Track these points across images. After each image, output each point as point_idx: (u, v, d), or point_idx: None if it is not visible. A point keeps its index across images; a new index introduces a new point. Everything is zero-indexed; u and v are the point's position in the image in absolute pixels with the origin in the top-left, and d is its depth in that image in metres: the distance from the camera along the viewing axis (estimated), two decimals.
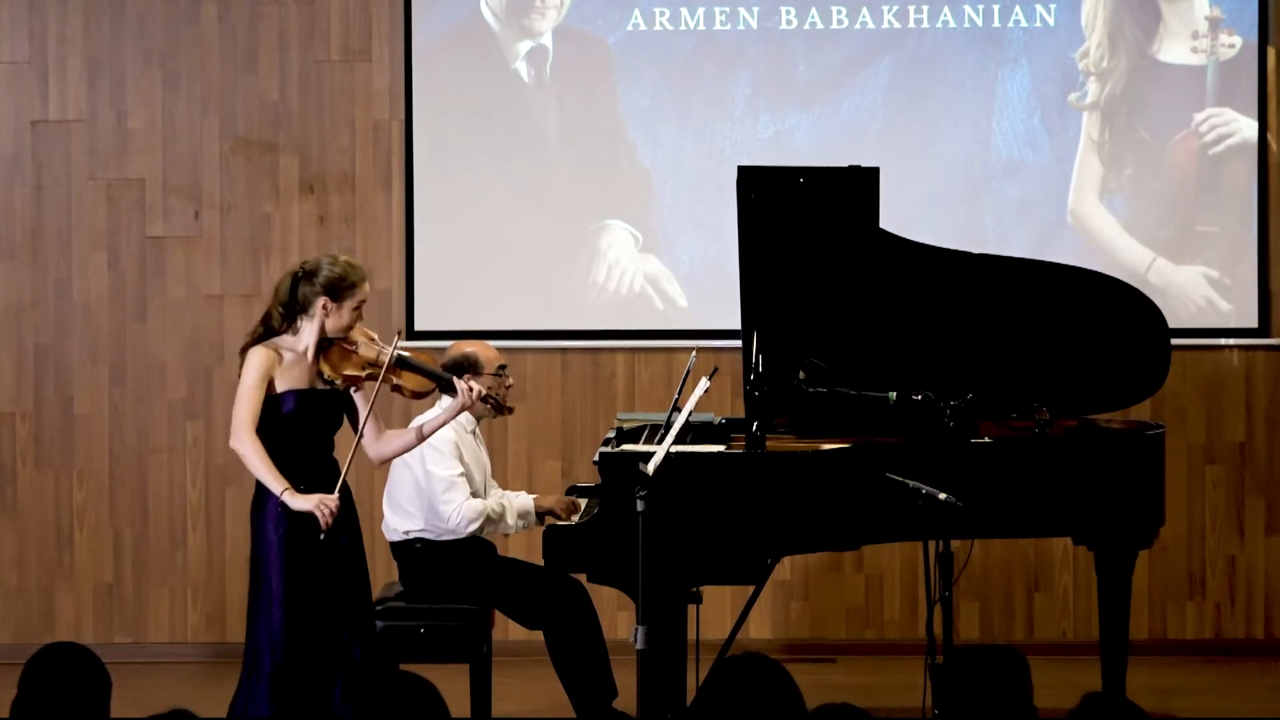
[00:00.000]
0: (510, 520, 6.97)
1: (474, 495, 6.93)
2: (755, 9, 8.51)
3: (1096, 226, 8.52)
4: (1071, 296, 6.93)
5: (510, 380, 7.00)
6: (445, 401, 6.64)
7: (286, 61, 8.57)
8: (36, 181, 8.57)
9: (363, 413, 6.04)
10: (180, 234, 8.58)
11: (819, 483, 6.37)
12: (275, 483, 5.86)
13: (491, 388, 6.64)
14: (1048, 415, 6.72)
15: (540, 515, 7.00)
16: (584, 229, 8.59)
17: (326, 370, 5.99)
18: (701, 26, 8.54)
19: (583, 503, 6.95)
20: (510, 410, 6.42)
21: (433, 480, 6.87)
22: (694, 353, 6.97)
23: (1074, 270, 7.03)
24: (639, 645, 5.83)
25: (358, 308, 6.03)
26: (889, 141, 8.46)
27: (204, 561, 8.58)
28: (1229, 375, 8.54)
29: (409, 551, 6.96)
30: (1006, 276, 6.95)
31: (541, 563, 6.50)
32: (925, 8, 8.49)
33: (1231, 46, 8.48)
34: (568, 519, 6.87)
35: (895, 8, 8.50)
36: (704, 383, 6.08)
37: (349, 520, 6.02)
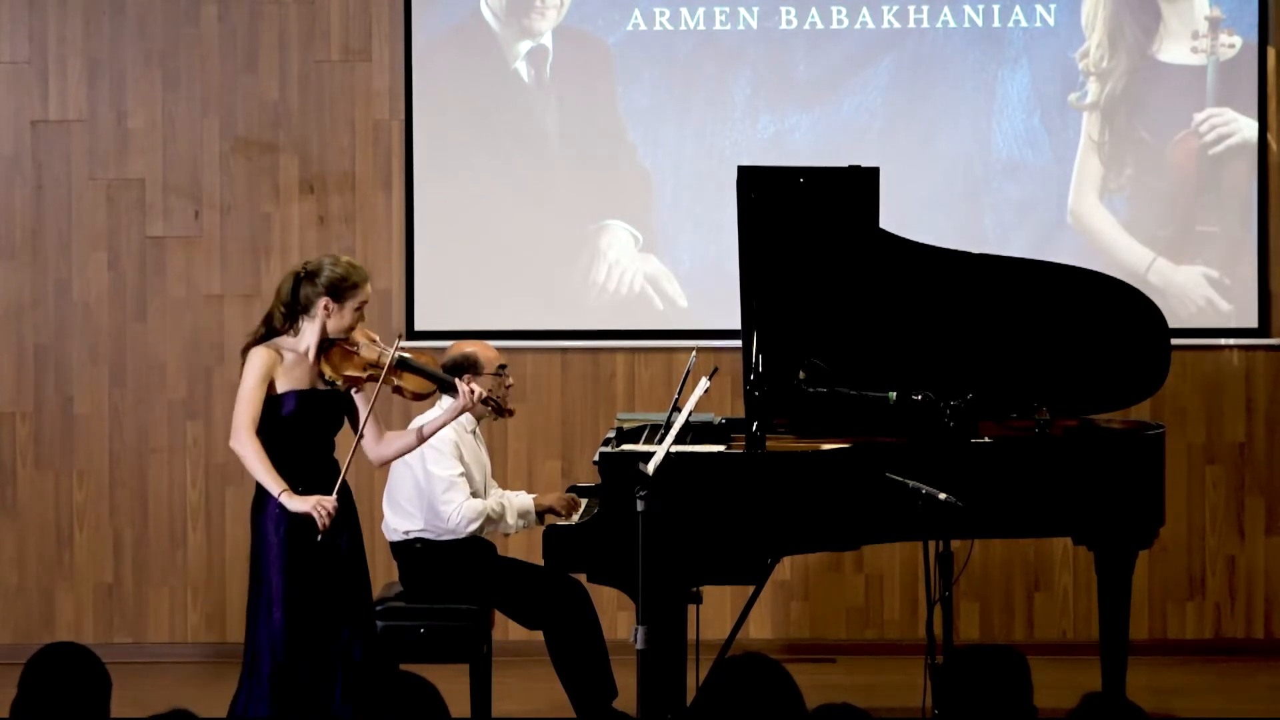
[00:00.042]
0: (510, 520, 6.97)
1: (474, 495, 6.93)
2: (755, 9, 8.51)
3: (1096, 226, 8.52)
4: (1071, 296, 6.93)
5: (510, 380, 7.00)
6: (445, 402, 6.64)
7: (286, 61, 8.57)
8: (36, 181, 8.57)
9: (363, 414, 6.04)
10: (180, 234, 8.58)
11: (819, 483, 6.37)
12: (273, 484, 5.86)
13: (492, 389, 6.63)
14: (1048, 415, 6.72)
15: (540, 513, 6.99)
16: (584, 229, 8.59)
17: (328, 371, 5.98)
18: (701, 26, 8.54)
19: (583, 500, 6.96)
20: (510, 413, 6.41)
21: (433, 480, 6.87)
22: (694, 353, 6.97)
23: (1074, 270, 7.03)
24: (639, 645, 5.83)
25: (359, 308, 6.03)
26: (889, 141, 8.46)
27: (204, 561, 8.58)
28: (1229, 375, 8.55)
29: (409, 551, 6.96)
30: (1006, 276, 6.95)
31: (541, 563, 6.50)
32: (925, 8, 8.49)
33: (1231, 46, 8.48)
34: (568, 516, 6.87)
35: (895, 8, 8.50)
36: (704, 383, 6.08)
37: (349, 521, 6.02)
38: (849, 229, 6.84)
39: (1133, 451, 6.74)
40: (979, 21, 8.51)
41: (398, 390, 6.07)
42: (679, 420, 6.09)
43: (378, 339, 6.11)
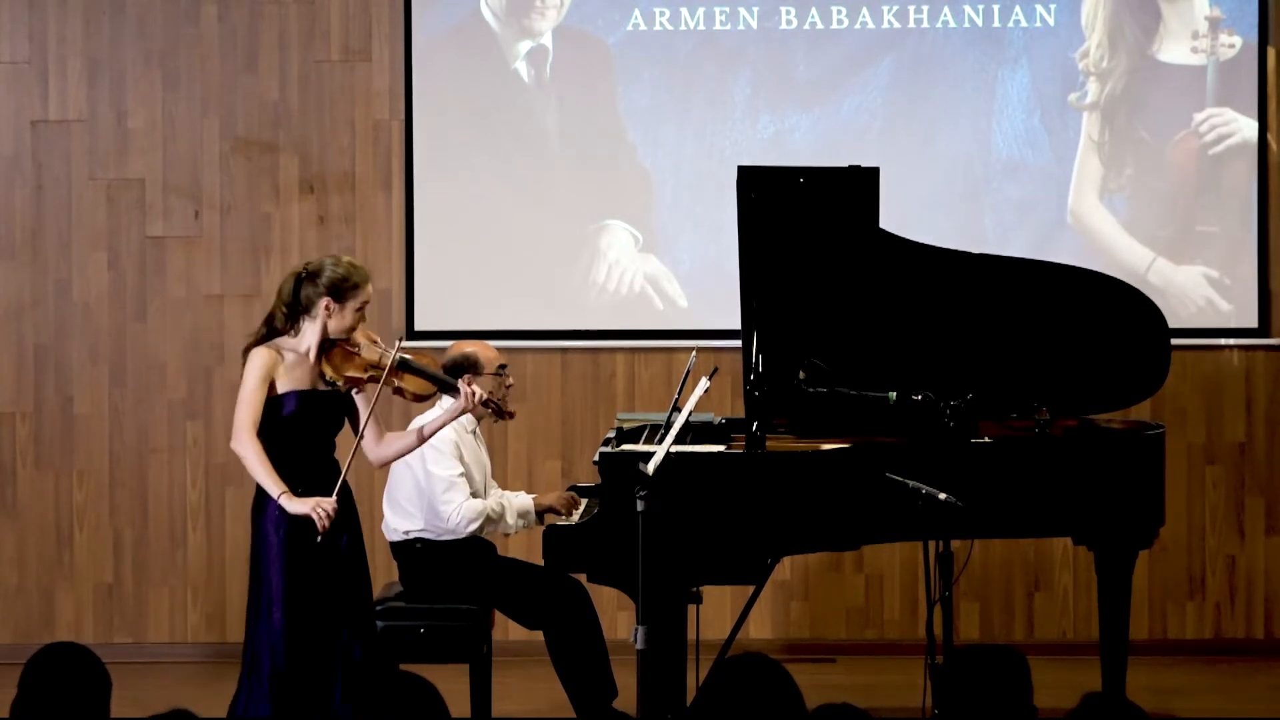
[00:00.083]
0: (510, 520, 6.98)
1: (474, 495, 6.93)
2: (755, 9, 8.51)
3: (1096, 226, 8.52)
4: (1071, 296, 6.93)
5: (510, 380, 7.00)
6: (446, 402, 6.64)
7: (286, 61, 8.57)
8: (36, 181, 8.57)
9: (364, 415, 6.04)
10: (180, 234, 8.58)
11: (819, 483, 6.37)
12: (273, 486, 5.86)
13: (492, 389, 6.63)
14: (1048, 415, 6.72)
15: (540, 513, 7.00)
16: (584, 229, 8.59)
17: (328, 371, 5.98)
18: (701, 26, 8.54)
19: (583, 500, 6.95)
20: (511, 415, 6.40)
21: (433, 480, 6.87)
22: (694, 353, 6.97)
23: (1074, 270, 7.03)
24: (639, 645, 5.83)
25: (360, 309, 6.03)
26: (889, 141, 8.46)
27: (204, 561, 8.58)
28: (1229, 375, 8.54)
29: (409, 551, 6.96)
30: (1006, 276, 6.95)
31: (541, 563, 6.50)
32: (925, 8, 8.49)
33: (1231, 46, 8.48)
34: (568, 515, 6.87)
35: (895, 8, 8.50)
36: (704, 383, 6.08)
37: (350, 521, 6.02)
38: (849, 229, 6.84)
39: (1133, 451, 6.74)
40: (979, 21, 8.51)
41: (398, 391, 6.07)
42: (679, 420, 6.09)
43: (379, 340, 6.11)
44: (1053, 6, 8.49)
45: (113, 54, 8.56)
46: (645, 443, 6.68)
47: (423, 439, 6.27)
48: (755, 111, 8.54)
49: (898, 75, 8.51)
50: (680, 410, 6.16)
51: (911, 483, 5.89)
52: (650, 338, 8.58)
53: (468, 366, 6.82)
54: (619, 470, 6.25)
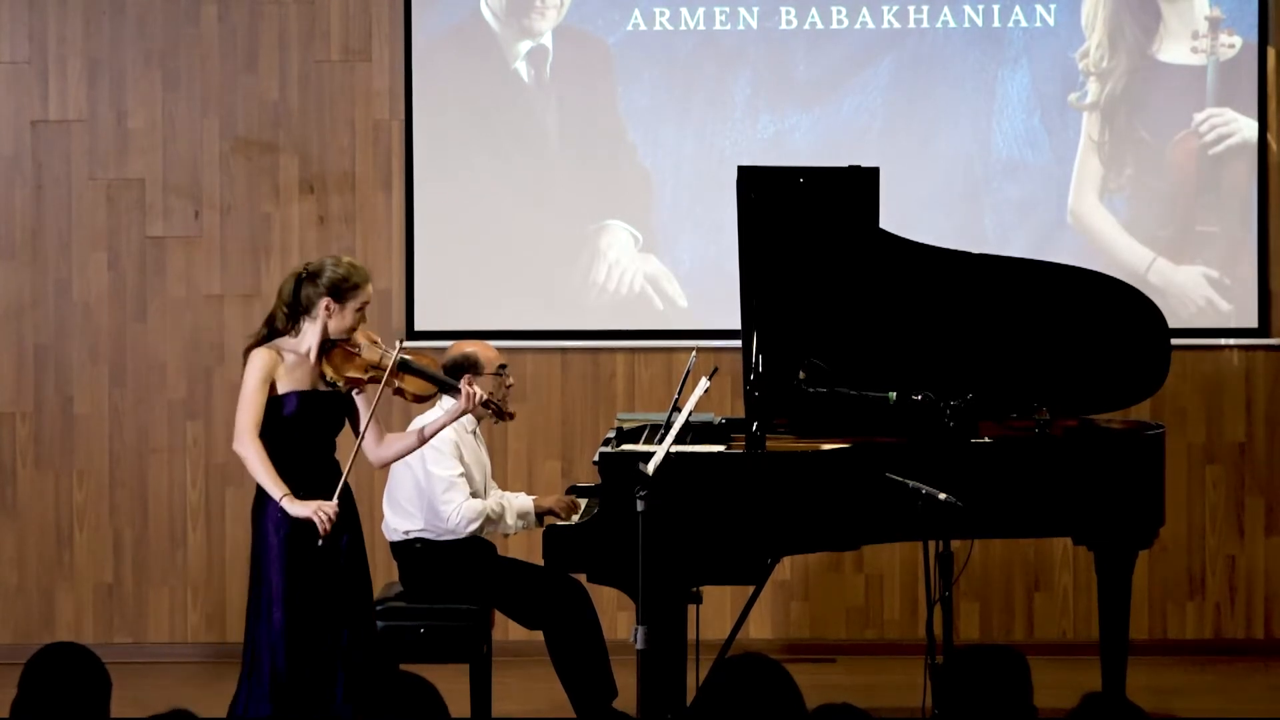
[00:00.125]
0: (510, 520, 6.98)
1: (474, 495, 6.93)
2: (755, 9, 8.51)
3: (1096, 226, 8.52)
4: (1071, 296, 6.93)
5: (510, 380, 7.00)
6: (446, 402, 6.64)
7: (286, 61, 8.57)
8: (36, 181, 8.57)
9: (365, 416, 6.04)
10: (180, 234, 8.58)
11: (819, 483, 6.37)
12: (275, 488, 5.86)
13: (492, 389, 6.63)
14: (1048, 415, 6.72)
15: (540, 515, 7.00)
16: (584, 229, 8.59)
17: (329, 372, 5.99)
18: (701, 26, 8.54)
19: (582, 502, 6.95)
20: (511, 416, 6.40)
21: (433, 480, 6.87)
22: (694, 353, 6.97)
23: (1074, 270, 7.03)
24: (639, 645, 5.83)
25: (361, 309, 6.03)
26: (889, 141, 8.46)
27: (204, 561, 8.58)
28: (1229, 375, 8.55)
29: (409, 551, 6.96)
30: (1006, 276, 6.95)
31: (541, 563, 6.50)
32: (925, 8, 8.49)
33: (1231, 46, 8.48)
34: (567, 519, 6.87)
35: (895, 8, 8.50)
36: (704, 383, 6.07)
37: (350, 522, 6.02)
38: (849, 229, 6.84)
39: (1133, 451, 6.74)
40: (979, 21, 8.51)
41: (399, 392, 6.07)
42: (679, 420, 6.09)
43: (379, 340, 6.11)
44: (1053, 6, 8.49)
45: (113, 54, 8.56)
46: (645, 443, 6.68)
47: (423, 440, 6.27)
48: (755, 111, 8.54)
49: (898, 75, 8.51)
50: (680, 410, 6.15)
51: (911, 483, 5.89)
52: (650, 338, 8.58)
53: (468, 366, 6.82)
54: (619, 470, 6.25)
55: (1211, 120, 8.49)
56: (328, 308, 5.97)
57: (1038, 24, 8.50)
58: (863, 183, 6.84)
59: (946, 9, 8.50)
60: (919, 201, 8.33)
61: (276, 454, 5.90)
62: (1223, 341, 8.54)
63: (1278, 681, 8.07)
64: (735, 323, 6.85)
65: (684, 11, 8.53)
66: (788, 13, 8.52)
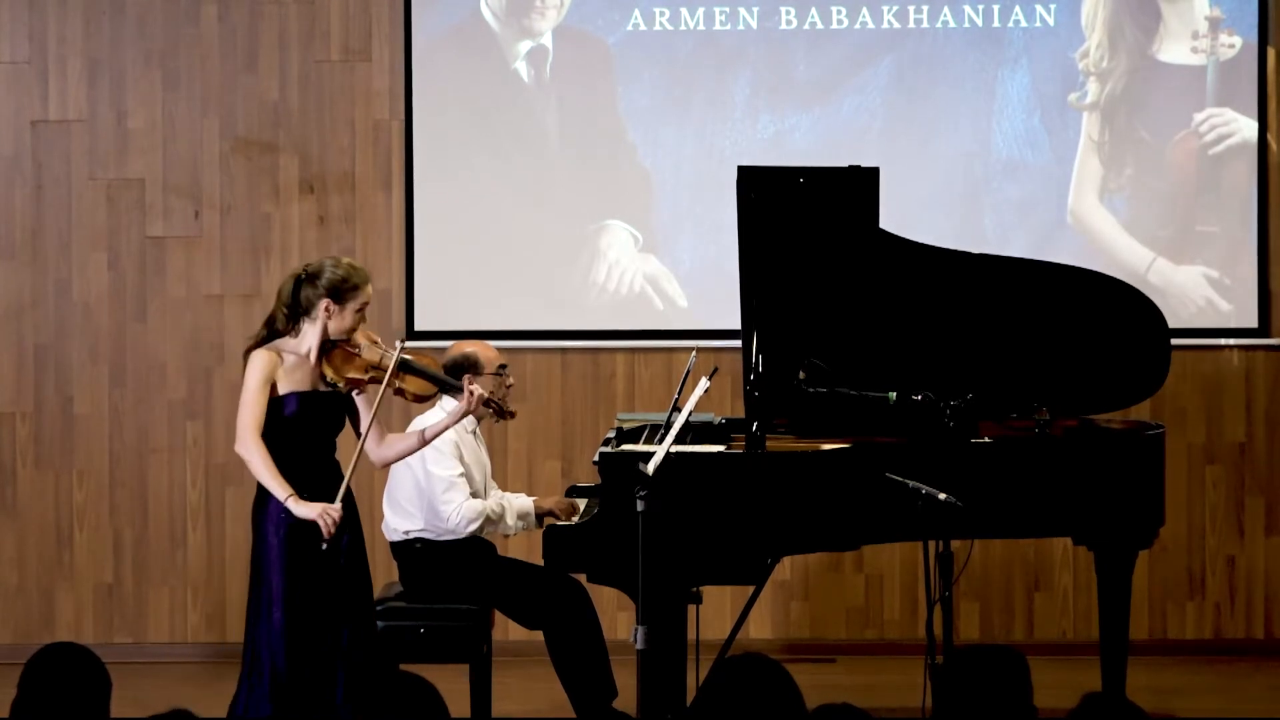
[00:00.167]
0: (510, 521, 6.98)
1: (474, 495, 6.93)
2: (755, 9, 8.51)
3: (1096, 226, 8.52)
4: (1071, 296, 6.93)
5: (510, 380, 7.00)
6: (446, 402, 6.64)
7: (286, 61, 8.57)
8: (36, 181, 8.57)
9: (367, 417, 6.04)
10: (180, 234, 8.58)
11: (819, 483, 6.37)
12: (280, 489, 5.86)
13: (492, 389, 6.63)
14: (1048, 415, 6.72)
15: (540, 516, 7.00)
16: (584, 229, 8.59)
17: (329, 373, 5.98)
18: (701, 26, 8.54)
19: (582, 504, 6.95)
20: (512, 415, 6.40)
21: (433, 480, 6.87)
22: (694, 353, 6.97)
23: (1074, 270, 7.03)
24: (639, 645, 5.83)
25: (360, 310, 6.03)
26: (889, 141, 8.46)
27: (204, 561, 8.58)
28: (1229, 375, 8.54)
29: (409, 551, 6.96)
30: (1006, 276, 6.95)
31: (541, 563, 6.50)
32: (925, 8, 8.49)
33: (1231, 46, 8.48)
34: (567, 521, 6.86)
35: (895, 8, 8.50)
36: (704, 383, 6.07)
37: (351, 522, 6.02)
38: (849, 229, 6.84)
39: (1133, 451, 6.74)
40: (979, 21, 8.51)
41: (399, 392, 6.07)
42: (679, 420, 6.09)
43: (379, 340, 6.11)
44: (1053, 6, 8.49)
45: (113, 54, 8.56)
46: (645, 443, 6.68)
47: (425, 442, 6.27)
48: (755, 111, 8.54)
49: (898, 75, 8.51)
50: (680, 410, 6.15)
51: (911, 483, 5.89)
52: (650, 338, 8.58)
53: (468, 366, 6.82)
54: (619, 470, 6.25)
55: (1211, 120, 8.49)
56: (327, 309, 5.97)
57: (1038, 24, 8.50)
58: (863, 183, 6.84)
59: (946, 9, 8.50)
60: (919, 201, 8.33)
61: (277, 455, 5.90)
62: (1223, 341, 8.54)
63: (1278, 681, 8.07)
64: (735, 323, 6.85)
65: (684, 11, 8.53)
66: (788, 13, 8.52)
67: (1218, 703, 7.71)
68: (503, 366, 6.96)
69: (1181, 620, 8.57)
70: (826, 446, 6.50)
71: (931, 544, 5.86)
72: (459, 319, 8.48)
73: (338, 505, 5.89)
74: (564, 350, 8.60)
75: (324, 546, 5.86)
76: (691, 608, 6.36)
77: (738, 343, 7.00)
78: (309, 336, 5.99)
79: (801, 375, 6.52)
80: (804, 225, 6.80)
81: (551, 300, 8.58)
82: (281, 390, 5.95)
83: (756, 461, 6.39)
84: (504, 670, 7.39)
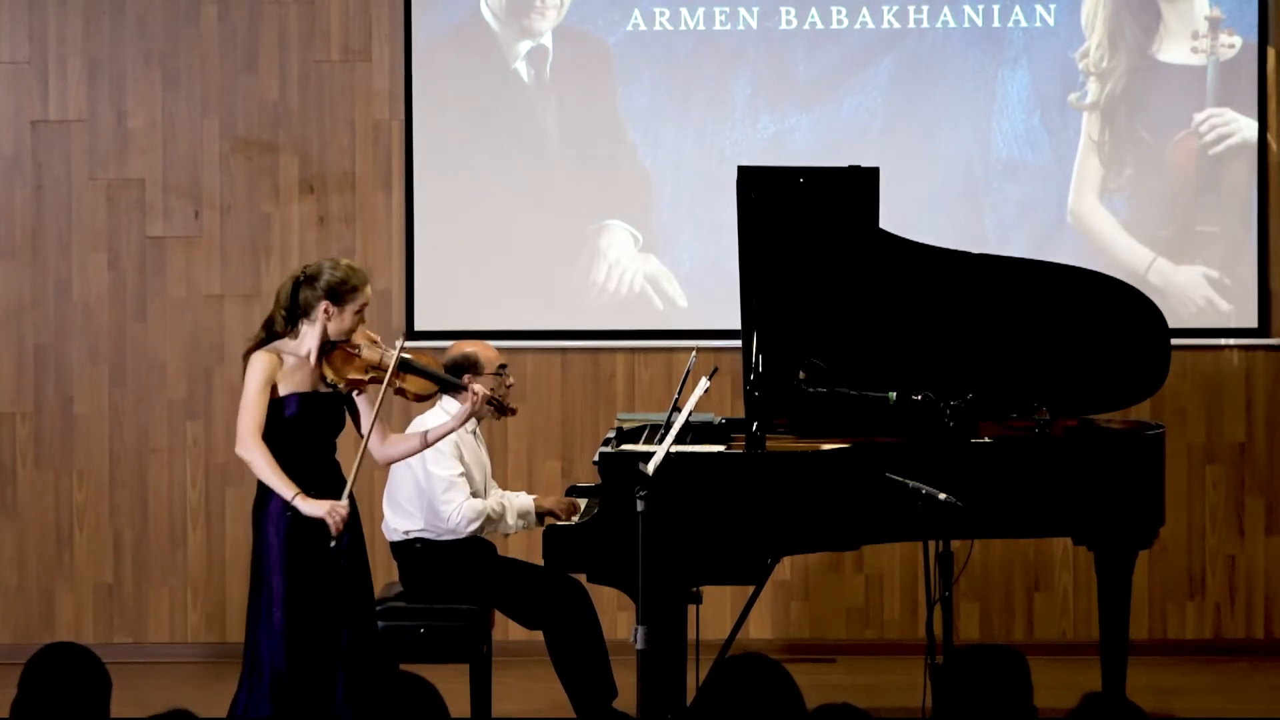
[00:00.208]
0: (510, 520, 6.98)
1: (474, 495, 6.93)
2: (755, 9, 8.51)
3: (1096, 226, 8.52)
4: (1071, 296, 6.93)
5: (511, 380, 7.00)
6: (446, 402, 6.65)
7: (286, 61, 8.57)
8: (36, 181, 8.57)
9: (369, 417, 6.04)
10: (180, 234, 8.58)
11: (819, 483, 6.37)
12: (286, 489, 5.86)
13: (493, 388, 6.63)
14: (1048, 415, 6.72)
15: (540, 516, 7.00)
16: (584, 229, 8.59)
17: (329, 374, 5.98)
18: (701, 26, 8.54)
19: (582, 503, 6.95)
20: (513, 411, 6.42)
21: (433, 480, 6.87)
22: (694, 353, 6.97)
23: (1074, 270, 7.03)
24: (639, 645, 5.83)
25: (359, 311, 6.03)
26: (889, 141, 8.46)
27: (204, 561, 8.58)
28: (1229, 375, 8.54)
29: (409, 551, 6.96)
30: (1006, 276, 6.95)
31: (541, 563, 6.50)
32: (925, 8, 8.49)
33: (1231, 46, 8.48)
34: (567, 520, 6.87)
35: (895, 8, 8.50)
36: (704, 383, 6.07)
37: (351, 522, 6.01)
38: (849, 229, 6.84)
39: (1133, 451, 6.74)
40: (979, 21, 8.51)
41: (400, 392, 6.07)
42: (679, 420, 6.09)
43: (379, 340, 6.11)
44: (1053, 6, 8.49)
45: (113, 54, 8.56)
46: (645, 443, 6.68)
47: (427, 444, 6.27)
48: (755, 111, 8.54)
49: (898, 75, 8.51)
50: (680, 410, 6.15)
51: (911, 483, 5.89)
52: (650, 338, 8.58)
53: (468, 366, 6.82)
54: (619, 470, 6.25)
55: (1211, 120, 8.49)
56: (326, 311, 5.97)
57: (1038, 24, 8.50)
58: (863, 183, 6.84)
59: (946, 9, 8.50)
60: (919, 201, 8.33)
61: (278, 456, 5.90)
62: (1223, 341, 8.54)
63: (1278, 681, 8.07)
64: (735, 323, 6.85)
65: (684, 11, 8.53)
66: (788, 13, 8.52)
67: (1218, 703, 7.71)
68: (503, 366, 6.96)
69: (1181, 620, 8.57)
70: (826, 446, 6.50)
71: (931, 544, 5.86)
72: (459, 319, 8.48)
73: (345, 502, 5.90)
74: (564, 350, 8.60)
75: (332, 544, 5.86)
76: (691, 608, 6.36)
77: (738, 343, 7.00)
78: (308, 338, 5.99)
79: (801, 375, 6.52)
80: (804, 225, 6.80)
81: (551, 300, 8.58)
82: (282, 392, 5.95)
83: (756, 461, 6.39)
84: (504, 670, 7.39)
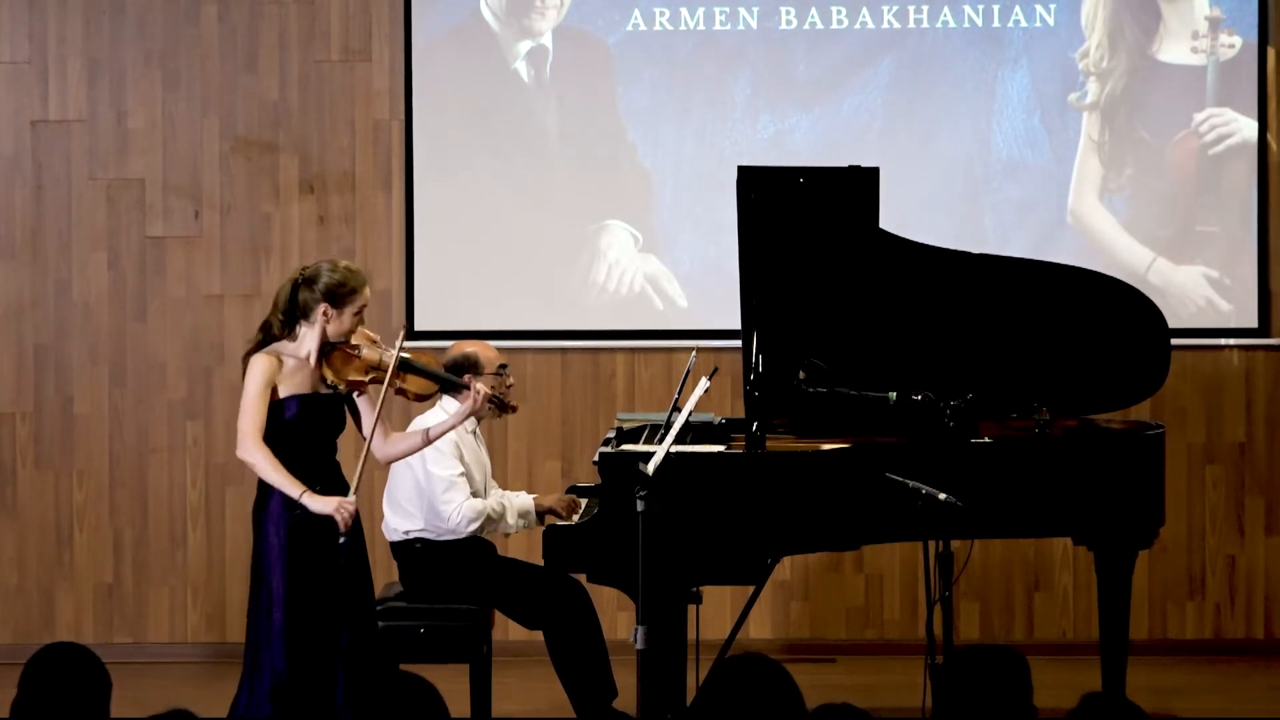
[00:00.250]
0: (510, 520, 6.98)
1: (474, 495, 6.93)
2: (755, 9, 8.51)
3: (1096, 226, 8.52)
4: (1071, 296, 6.93)
5: (511, 380, 7.01)
6: (447, 401, 6.65)
7: (286, 61, 8.57)
8: (36, 181, 8.57)
9: (371, 416, 6.04)
10: (180, 234, 8.58)
11: (819, 483, 6.37)
12: (292, 487, 5.85)
13: (494, 387, 6.63)
14: (1048, 415, 6.72)
15: (540, 514, 7.00)
16: (584, 229, 8.59)
17: (330, 375, 5.98)
18: (701, 26, 8.54)
19: (583, 501, 6.96)
20: (514, 409, 6.42)
21: (433, 480, 6.87)
22: (694, 353, 6.97)
23: (1074, 270, 7.03)
24: (639, 645, 5.83)
25: (358, 313, 6.02)
26: (889, 141, 8.46)
27: (204, 561, 8.58)
28: (1229, 375, 8.54)
29: (409, 551, 6.96)
30: (1006, 276, 6.95)
31: (541, 563, 6.50)
32: (925, 8, 8.49)
33: (1231, 46, 8.48)
34: (568, 518, 6.87)
35: (895, 8, 8.50)
36: (704, 383, 6.07)
37: (353, 522, 6.01)
38: (849, 229, 6.84)
39: (1133, 451, 6.74)
40: (979, 21, 8.51)
41: (400, 392, 6.07)
42: (679, 420, 6.09)
43: (379, 339, 6.11)
44: (1053, 6, 8.49)
45: (113, 54, 8.56)
46: (645, 443, 6.68)
47: (428, 441, 6.27)
48: (755, 111, 8.54)
49: (898, 75, 8.51)
50: (680, 410, 6.15)
51: (911, 483, 5.89)
52: (650, 338, 8.58)
53: (468, 366, 6.82)
54: (619, 470, 6.25)
55: (1211, 120, 8.49)
56: (325, 313, 5.97)
57: (1038, 24, 8.50)
58: (863, 183, 6.84)
59: (946, 9, 8.50)
60: (919, 201, 8.33)
61: (279, 458, 5.89)
62: (1223, 341, 8.54)
63: (1278, 681, 8.07)
64: (735, 323, 6.85)
65: (684, 11, 8.53)
66: (788, 13, 8.52)
67: (1218, 703, 7.71)
68: (503, 366, 6.96)
69: (1181, 620, 8.57)
70: (826, 446, 6.50)
71: (931, 544, 5.86)
72: (459, 319, 8.48)
73: (353, 498, 5.90)
74: (564, 350, 8.60)
75: (341, 540, 5.86)
76: (691, 608, 6.36)
77: (738, 343, 7.00)
78: (308, 340, 5.99)
79: (801, 375, 6.52)
80: (804, 225, 6.80)
81: (551, 300, 8.58)
82: (282, 394, 5.94)
83: (756, 461, 6.39)
84: (504, 670, 7.39)
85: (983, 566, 8.46)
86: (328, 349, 5.99)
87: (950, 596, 5.77)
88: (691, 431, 6.67)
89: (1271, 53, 8.48)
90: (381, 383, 5.98)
